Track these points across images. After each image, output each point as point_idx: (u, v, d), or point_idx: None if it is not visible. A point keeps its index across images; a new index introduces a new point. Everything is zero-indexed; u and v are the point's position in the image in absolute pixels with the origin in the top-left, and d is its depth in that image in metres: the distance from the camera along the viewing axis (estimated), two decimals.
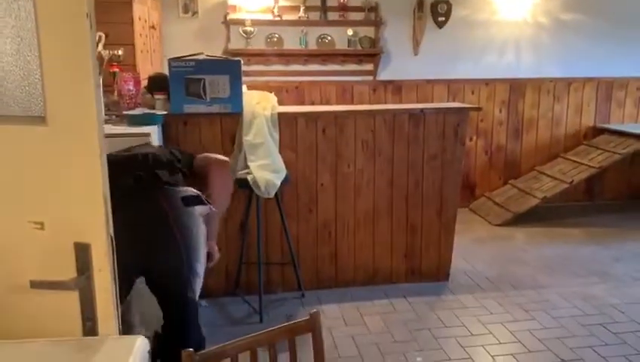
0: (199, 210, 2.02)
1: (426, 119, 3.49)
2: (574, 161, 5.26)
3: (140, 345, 1.18)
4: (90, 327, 1.29)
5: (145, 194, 1.94)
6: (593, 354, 2.83)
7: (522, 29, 5.27)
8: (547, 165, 5.44)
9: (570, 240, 4.55)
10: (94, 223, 1.23)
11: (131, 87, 3.10)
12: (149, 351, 1.22)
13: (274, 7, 4.86)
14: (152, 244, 1.96)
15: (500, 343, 2.96)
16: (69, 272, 1.24)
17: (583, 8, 5.25)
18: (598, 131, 5.52)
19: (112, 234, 1.28)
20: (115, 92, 3.12)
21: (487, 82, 5.32)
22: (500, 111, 5.41)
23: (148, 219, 1.95)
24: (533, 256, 4.20)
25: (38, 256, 1.25)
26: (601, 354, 2.82)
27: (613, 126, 5.46)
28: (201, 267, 2.10)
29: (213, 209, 2.08)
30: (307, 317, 1.48)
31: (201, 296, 3.37)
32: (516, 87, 5.37)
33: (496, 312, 3.30)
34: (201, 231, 2.05)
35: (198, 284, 2.13)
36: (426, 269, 3.69)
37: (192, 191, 2.02)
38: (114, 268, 1.29)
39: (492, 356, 2.83)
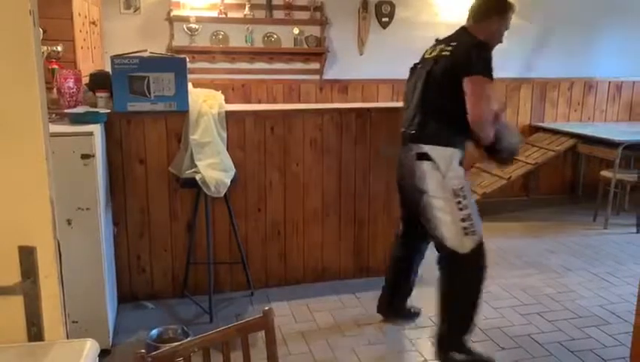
0: (426, 163, 2.59)
1: (373, 118, 3.56)
2: None
3: (90, 348, 1.16)
4: (36, 333, 1.25)
5: (405, 146, 2.73)
6: (531, 341, 2.98)
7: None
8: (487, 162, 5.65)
9: (509, 234, 4.77)
10: (40, 226, 1.20)
11: (72, 85, 3.00)
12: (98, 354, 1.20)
13: (220, 5, 4.82)
14: (406, 181, 2.77)
15: None
16: (13, 277, 1.20)
17: (518, 12, 5.47)
18: (533, 129, 5.79)
19: (59, 238, 1.25)
20: (55, 89, 3.00)
21: None
22: None
23: (404, 163, 2.76)
24: None
25: None
26: (539, 341, 2.97)
27: (547, 125, 5.75)
28: (440, 212, 2.59)
29: (441, 167, 2.59)
30: (260, 315, 1.50)
31: (148, 298, 3.34)
32: None
33: None
34: (429, 180, 2.59)
35: (447, 229, 2.60)
36: (373, 265, 3.76)
37: (425, 148, 2.59)
38: (61, 272, 1.26)
39: None
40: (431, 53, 2.75)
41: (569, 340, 3.00)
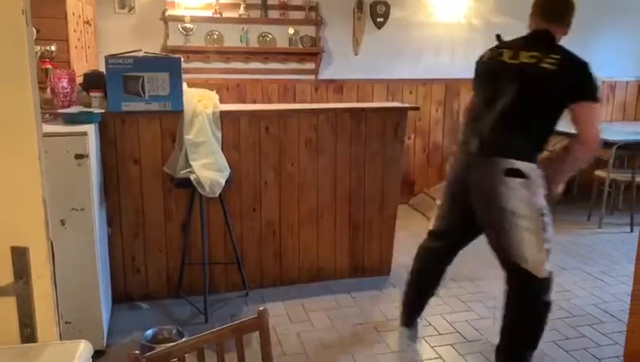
0: (517, 181, 2.37)
1: (368, 118, 3.56)
2: None
3: (84, 349, 1.16)
4: (29, 334, 1.24)
5: (482, 158, 2.44)
6: None
7: (456, 31, 5.47)
8: None
9: None
10: (33, 227, 1.19)
11: (65, 85, 2.99)
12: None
13: (214, 5, 4.81)
14: (480, 197, 2.49)
15: (440, 334, 3.07)
16: (6, 277, 1.20)
17: (513, 12, 5.49)
18: None
19: (52, 238, 1.24)
20: (48, 89, 2.99)
21: (424, 82, 5.49)
22: (437, 110, 5.60)
23: (480, 177, 2.46)
24: (470, 249, 4.34)
25: None
26: None
27: None
28: (527, 233, 2.40)
29: (532, 185, 2.39)
30: (254, 316, 1.49)
31: (143, 299, 3.33)
32: (451, 87, 5.56)
33: (436, 304, 3.41)
34: (517, 198, 2.38)
35: (531, 250, 2.42)
36: (368, 265, 3.77)
37: (517, 164, 2.36)
38: (54, 272, 1.25)
39: (432, 346, 2.94)
40: (517, 58, 2.44)
41: (563, 339, 3.01)
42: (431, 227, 2.84)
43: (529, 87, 2.39)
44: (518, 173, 2.37)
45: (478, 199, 2.51)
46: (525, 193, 2.38)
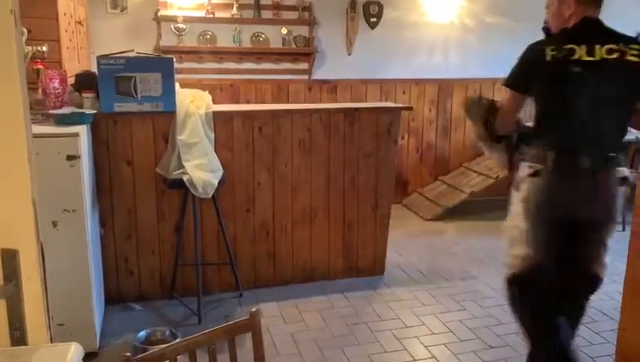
0: (622, 189, 2.31)
1: (361, 118, 3.57)
2: None
3: (75, 351, 1.15)
4: (18, 336, 1.23)
5: (596, 172, 2.25)
6: (518, 340, 2.99)
7: (449, 31, 5.48)
8: (474, 161, 5.68)
9: (496, 233, 4.73)
10: (22, 228, 1.18)
11: (57, 85, 2.97)
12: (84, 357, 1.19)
13: (207, 5, 4.80)
14: (592, 213, 2.32)
15: (433, 334, 3.07)
16: None
17: (506, 11, 5.52)
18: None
19: (43, 240, 1.23)
20: (40, 90, 2.97)
21: (417, 82, 5.49)
22: (430, 110, 5.60)
23: (594, 193, 2.27)
24: (463, 249, 4.38)
25: None
26: None
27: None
28: (609, 241, 2.42)
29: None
30: (247, 317, 1.49)
31: (136, 300, 3.32)
32: (444, 87, 5.57)
33: (429, 304, 3.42)
34: (619, 206, 2.33)
35: (606, 257, 2.45)
36: (362, 264, 3.77)
37: (622, 170, 2.28)
38: (44, 275, 1.24)
39: (425, 346, 2.94)
40: (593, 55, 2.14)
41: None
42: (514, 271, 2.35)
43: (619, 85, 2.17)
44: (626, 181, 2.29)
45: (588, 216, 2.30)
46: (621, 204, 2.33)
